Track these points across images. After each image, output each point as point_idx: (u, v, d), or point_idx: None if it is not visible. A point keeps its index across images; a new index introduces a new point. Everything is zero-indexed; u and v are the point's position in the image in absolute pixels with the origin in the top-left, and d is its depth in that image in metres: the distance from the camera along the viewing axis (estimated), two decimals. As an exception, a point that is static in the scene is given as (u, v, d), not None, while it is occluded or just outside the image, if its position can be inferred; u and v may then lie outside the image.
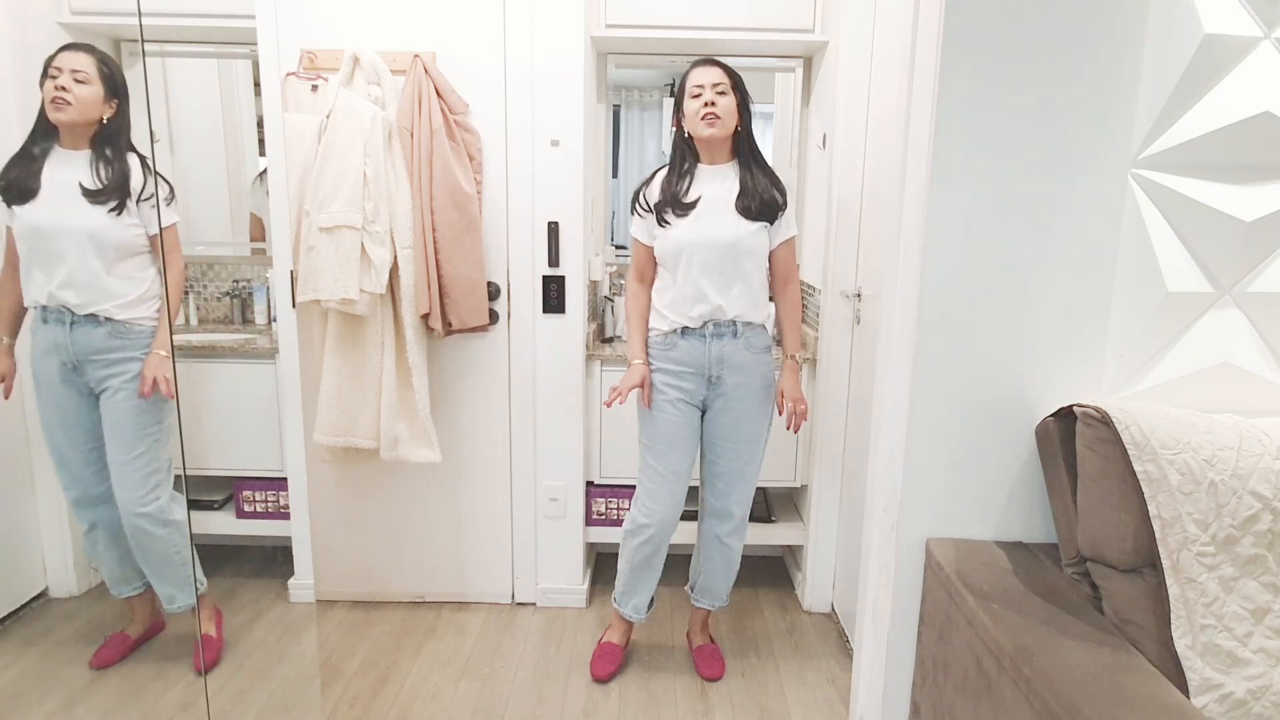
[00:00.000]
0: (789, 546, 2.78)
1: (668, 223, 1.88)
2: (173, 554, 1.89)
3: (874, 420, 1.56)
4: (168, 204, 1.84)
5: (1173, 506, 1.19)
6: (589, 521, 2.52)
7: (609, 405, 1.90)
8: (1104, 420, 1.25)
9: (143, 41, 2.47)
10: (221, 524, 2.44)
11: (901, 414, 1.45)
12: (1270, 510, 1.18)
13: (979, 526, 1.48)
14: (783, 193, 1.89)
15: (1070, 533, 1.34)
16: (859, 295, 2.16)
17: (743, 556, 2.81)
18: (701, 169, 1.90)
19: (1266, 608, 1.18)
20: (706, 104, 1.81)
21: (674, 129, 1.94)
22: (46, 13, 2.00)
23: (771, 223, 1.88)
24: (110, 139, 1.74)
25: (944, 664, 1.38)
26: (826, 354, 2.32)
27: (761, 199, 1.85)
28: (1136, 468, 1.21)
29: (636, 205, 1.95)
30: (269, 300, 2.66)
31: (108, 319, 1.76)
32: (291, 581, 2.33)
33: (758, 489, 2.72)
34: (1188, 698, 1.12)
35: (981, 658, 1.22)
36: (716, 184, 1.88)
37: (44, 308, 1.75)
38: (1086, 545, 1.28)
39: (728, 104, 1.82)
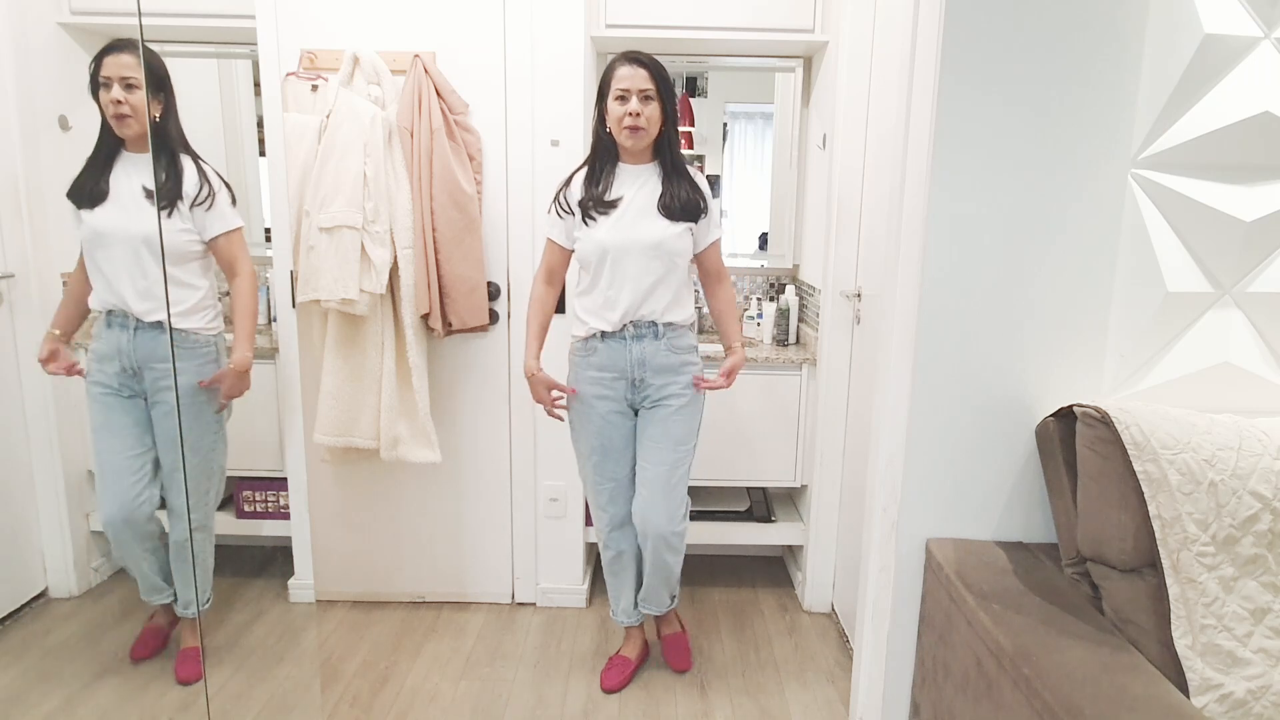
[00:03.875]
0: (789, 546, 2.78)
1: (593, 220, 1.83)
2: (206, 560, 1.93)
3: (874, 420, 1.56)
4: (232, 205, 1.81)
5: (1173, 506, 1.19)
6: (589, 521, 2.51)
7: (558, 418, 1.95)
8: (1104, 420, 1.25)
9: (142, 41, 2.46)
10: (221, 524, 2.44)
11: (901, 414, 1.46)
12: (1270, 510, 1.18)
13: (979, 526, 1.48)
14: (704, 196, 1.87)
15: (1070, 533, 1.34)
16: (859, 295, 2.16)
17: (743, 557, 2.85)
18: (622, 168, 1.86)
19: (1266, 608, 1.18)
20: (631, 113, 1.76)
21: (596, 123, 1.87)
22: (46, 13, 2.00)
23: (695, 223, 1.85)
24: (161, 137, 1.71)
25: (944, 664, 1.38)
26: (826, 354, 2.32)
27: (682, 200, 1.82)
28: (1136, 468, 1.21)
29: (557, 206, 1.90)
30: (269, 300, 2.66)
31: (169, 326, 1.75)
32: (291, 581, 2.33)
33: (758, 489, 2.74)
34: (1188, 698, 1.12)
35: (981, 658, 1.22)
36: (638, 185, 1.84)
37: (109, 312, 1.74)
38: (1086, 545, 1.28)
39: (652, 111, 1.78)
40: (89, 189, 1.67)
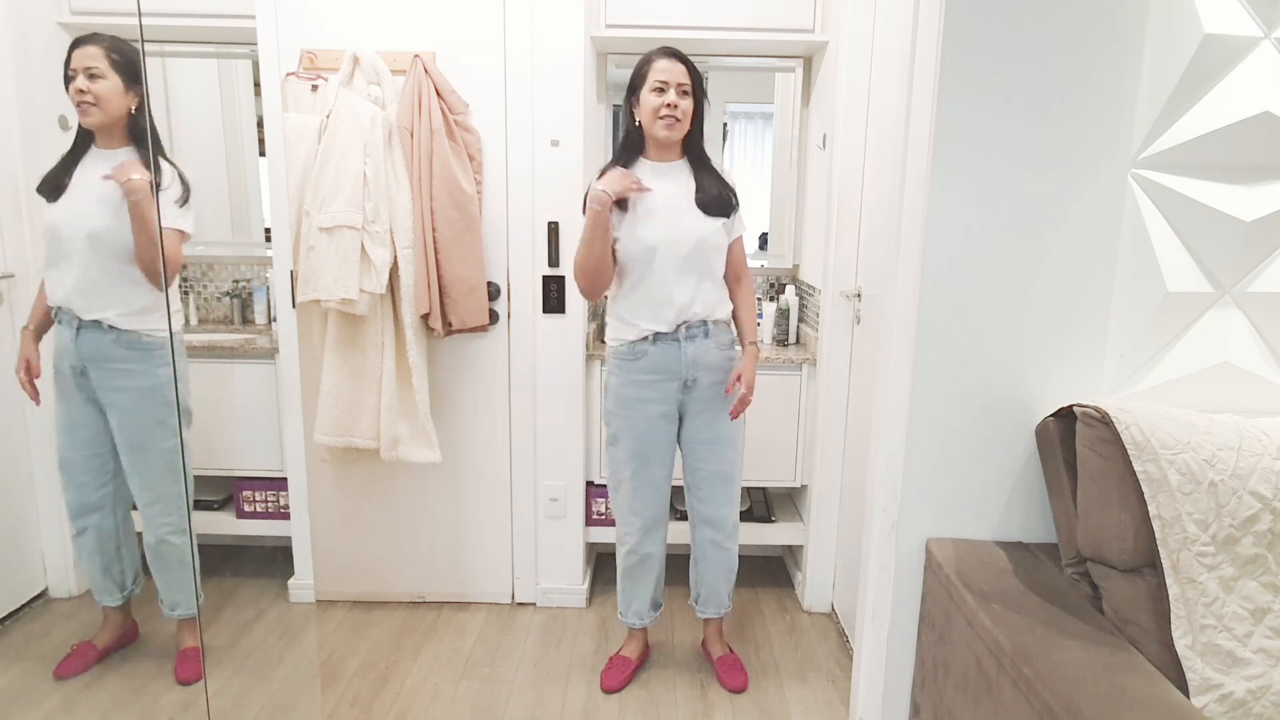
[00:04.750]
0: (789, 546, 2.78)
1: (633, 216, 1.82)
2: (187, 562, 1.90)
3: (874, 420, 1.56)
4: (180, 205, 1.77)
5: (1173, 506, 1.19)
6: (589, 521, 2.52)
7: (637, 187, 1.76)
8: (1104, 420, 1.25)
9: (142, 41, 2.45)
10: (221, 524, 2.44)
11: (901, 414, 1.45)
12: (1270, 510, 1.18)
13: (979, 526, 1.48)
14: (734, 192, 1.88)
15: (1070, 533, 1.34)
16: (859, 295, 2.16)
17: (743, 557, 2.84)
18: (651, 165, 1.86)
19: (1266, 608, 1.18)
20: (669, 105, 1.77)
21: (625, 117, 1.87)
22: (46, 13, 2.00)
23: (727, 218, 1.86)
24: (141, 131, 1.71)
25: (944, 664, 1.38)
26: (826, 354, 2.32)
27: (714, 195, 1.83)
28: (1136, 468, 1.21)
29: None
30: (269, 300, 2.66)
31: (112, 327, 1.72)
32: (291, 581, 2.33)
33: (758, 489, 2.74)
34: (1188, 698, 1.12)
35: (981, 658, 1.22)
36: (671, 182, 1.85)
37: (59, 308, 1.73)
38: (1086, 545, 1.28)
39: (688, 106, 1.79)
40: (54, 182, 1.67)
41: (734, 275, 1.95)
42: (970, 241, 1.37)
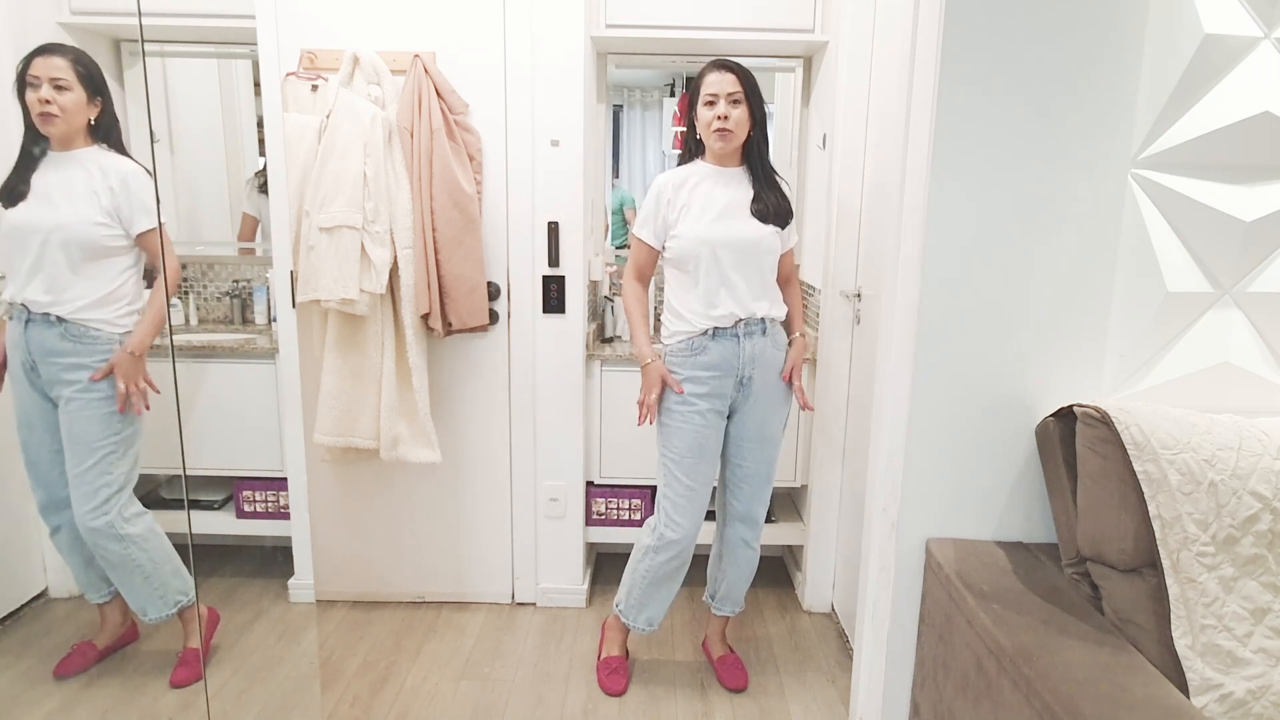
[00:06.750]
0: (789, 546, 2.78)
1: (689, 217, 1.86)
2: (133, 568, 1.84)
3: (874, 420, 1.56)
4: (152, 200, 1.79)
5: (1173, 506, 1.19)
6: (589, 521, 2.52)
7: (643, 423, 1.91)
8: (1104, 420, 1.25)
9: (143, 41, 2.47)
10: (221, 524, 2.44)
11: (901, 414, 1.46)
12: (1270, 510, 1.18)
13: (979, 526, 1.48)
14: (790, 204, 1.91)
15: (1070, 533, 1.34)
16: (859, 295, 2.16)
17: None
18: (712, 170, 1.89)
19: (1266, 608, 1.18)
20: (719, 116, 1.80)
21: (684, 130, 1.92)
22: (47, 13, 2.00)
23: (782, 228, 1.89)
24: (105, 137, 1.74)
25: (944, 664, 1.38)
26: (826, 354, 2.32)
27: (773, 206, 1.87)
28: (1136, 468, 1.21)
29: (652, 206, 1.92)
30: (269, 300, 2.66)
31: (60, 319, 1.72)
32: (291, 581, 2.33)
33: (758, 489, 2.74)
34: (1188, 698, 1.12)
35: (981, 658, 1.22)
36: (730, 188, 1.87)
37: (11, 304, 1.74)
38: (1086, 545, 1.28)
39: (740, 115, 1.81)
40: (11, 189, 1.69)
41: (784, 278, 1.99)
42: (970, 241, 1.37)
